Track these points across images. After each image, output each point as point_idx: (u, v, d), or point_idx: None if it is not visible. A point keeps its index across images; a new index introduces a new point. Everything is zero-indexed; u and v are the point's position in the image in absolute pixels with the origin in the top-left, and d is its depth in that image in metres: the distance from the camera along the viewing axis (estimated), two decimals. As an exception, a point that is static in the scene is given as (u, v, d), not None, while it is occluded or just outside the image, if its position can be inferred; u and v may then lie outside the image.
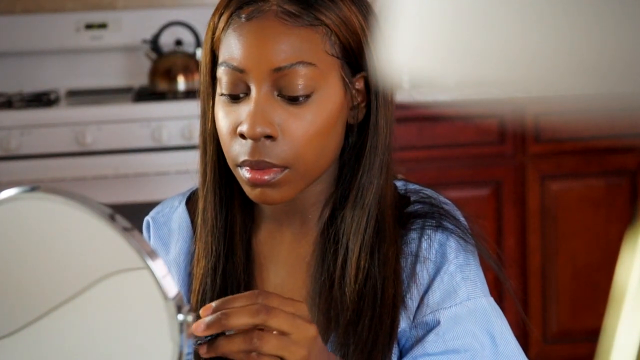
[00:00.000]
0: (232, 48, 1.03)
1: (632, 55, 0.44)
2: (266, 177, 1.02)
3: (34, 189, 0.72)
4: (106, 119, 2.90)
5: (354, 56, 1.06)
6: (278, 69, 1.02)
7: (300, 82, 1.02)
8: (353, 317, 1.06)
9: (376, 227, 1.08)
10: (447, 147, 2.89)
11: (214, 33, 1.06)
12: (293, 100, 1.02)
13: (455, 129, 2.88)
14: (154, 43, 3.19)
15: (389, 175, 1.09)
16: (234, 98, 1.04)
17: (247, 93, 1.03)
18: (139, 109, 2.94)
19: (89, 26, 3.28)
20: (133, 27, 3.29)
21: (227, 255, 1.11)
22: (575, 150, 2.93)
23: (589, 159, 2.93)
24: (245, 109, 1.03)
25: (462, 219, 1.13)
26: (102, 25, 3.29)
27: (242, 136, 1.02)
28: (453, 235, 1.10)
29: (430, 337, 1.06)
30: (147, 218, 1.19)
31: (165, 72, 3.12)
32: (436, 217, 1.11)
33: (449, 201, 1.15)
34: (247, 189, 1.04)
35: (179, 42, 3.20)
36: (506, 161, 2.92)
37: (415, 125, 2.85)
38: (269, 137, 1.02)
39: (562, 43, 0.46)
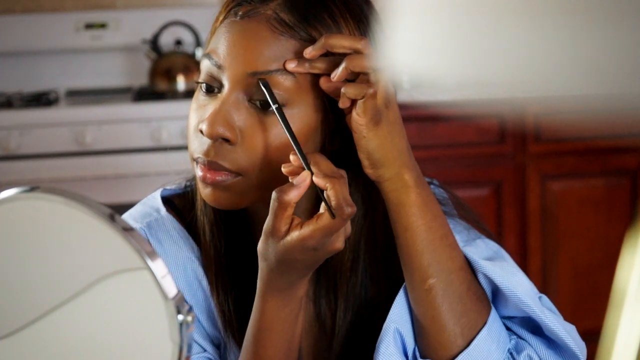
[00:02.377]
0: (217, 42, 1.02)
1: (632, 55, 0.44)
2: (218, 178, 1.00)
3: (33, 189, 0.72)
4: (106, 119, 2.90)
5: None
6: (254, 74, 0.99)
7: (274, 91, 0.99)
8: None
9: (369, 238, 1.08)
10: (447, 147, 2.89)
11: (215, 22, 1.05)
12: (262, 108, 1.00)
13: (455, 129, 2.88)
14: (154, 43, 3.19)
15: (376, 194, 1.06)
16: (209, 90, 1.02)
17: (221, 90, 1.01)
18: (139, 109, 2.94)
19: (89, 26, 3.28)
20: (133, 27, 3.29)
21: (230, 244, 1.10)
22: (575, 150, 2.92)
23: (589, 159, 2.93)
24: (213, 107, 1.01)
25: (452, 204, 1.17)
26: (102, 25, 3.29)
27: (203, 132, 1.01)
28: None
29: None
30: (142, 227, 1.11)
31: (165, 72, 3.12)
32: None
33: (445, 195, 1.17)
34: (200, 187, 1.03)
35: (178, 42, 3.20)
36: (506, 161, 2.92)
37: (415, 125, 2.85)
38: (227, 140, 1.00)
39: (562, 43, 0.46)
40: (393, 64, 0.55)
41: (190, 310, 0.72)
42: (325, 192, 0.94)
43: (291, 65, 0.98)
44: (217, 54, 1.01)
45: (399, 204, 1.00)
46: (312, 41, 0.99)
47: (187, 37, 3.20)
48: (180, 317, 0.71)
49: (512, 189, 2.92)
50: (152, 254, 0.71)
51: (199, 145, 1.01)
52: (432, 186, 1.17)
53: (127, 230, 0.71)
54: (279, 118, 0.97)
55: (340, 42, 0.97)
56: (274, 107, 0.98)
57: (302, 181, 0.94)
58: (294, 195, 0.94)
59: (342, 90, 0.96)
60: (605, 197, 2.94)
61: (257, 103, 1.00)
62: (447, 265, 1.01)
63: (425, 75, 0.52)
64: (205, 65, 1.02)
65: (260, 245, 0.97)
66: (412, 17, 0.53)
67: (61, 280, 0.72)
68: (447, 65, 0.51)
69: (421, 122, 2.86)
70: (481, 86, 0.50)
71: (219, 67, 1.01)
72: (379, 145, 0.98)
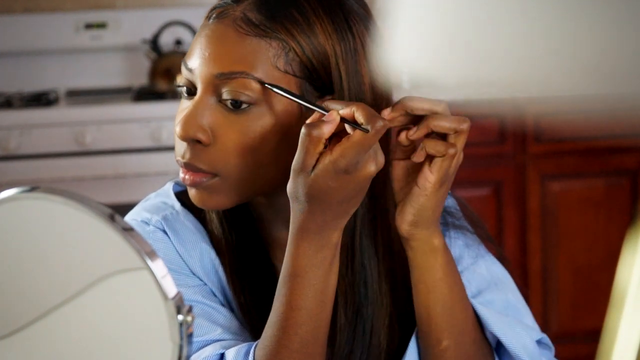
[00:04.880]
0: (192, 46, 1.04)
1: (632, 56, 0.44)
2: (196, 179, 1.02)
3: (33, 189, 0.72)
4: (106, 119, 2.90)
5: (319, 79, 1.01)
6: (220, 75, 1.00)
7: (240, 93, 0.99)
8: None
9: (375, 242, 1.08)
10: (447, 147, 2.89)
11: None
12: (232, 108, 1.00)
13: (455, 129, 2.87)
14: (154, 43, 3.19)
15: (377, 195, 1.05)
16: (189, 93, 1.04)
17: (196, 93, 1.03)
18: (139, 108, 2.94)
19: (89, 26, 3.28)
20: (133, 27, 3.29)
21: (240, 238, 1.10)
22: (575, 150, 2.92)
23: (589, 159, 2.93)
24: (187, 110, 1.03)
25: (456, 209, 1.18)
26: (102, 25, 3.29)
27: None
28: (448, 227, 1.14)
29: None
30: (159, 220, 1.11)
31: (165, 72, 3.12)
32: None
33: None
34: (188, 188, 1.05)
35: (178, 42, 3.20)
36: (506, 161, 2.92)
37: (415, 125, 2.85)
38: (200, 141, 1.01)
39: (562, 44, 0.46)
40: (393, 64, 0.55)
41: (190, 310, 0.72)
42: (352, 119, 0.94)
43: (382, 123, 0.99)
44: (190, 57, 1.03)
45: (426, 266, 1.02)
46: (279, 39, 1.00)
47: (187, 37, 3.20)
48: (180, 317, 0.71)
49: (512, 189, 2.92)
50: (152, 254, 0.71)
51: (178, 148, 1.04)
52: None
53: (127, 230, 0.71)
54: (282, 94, 0.98)
55: (420, 105, 0.98)
56: (275, 90, 0.98)
57: (332, 118, 0.94)
58: (326, 129, 0.93)
59: (423, 144, 0.98)
60: (605, 197, 2.94)
61: (228, 103, 1.00)
62: (461, 327, 1.04)
63: (425, 75, 0.52)
64: (182, 70, 1.04)
65: (289, 186, 0.96)
66: (412, 17, 0.53)
67: (61, 280, 0.72)
68: (447, 65, 0.51)
69: (421, 122, 2.86)
70: (481, 86, 0.50)
71: (191, 70, 1.03)
72: (433, 206, 1.00)
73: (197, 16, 3.26)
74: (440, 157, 0.98)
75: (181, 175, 1.03)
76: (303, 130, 0.93)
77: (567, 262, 2.94)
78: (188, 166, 1.02)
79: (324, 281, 0.99)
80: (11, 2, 3.29)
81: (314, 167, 0.93)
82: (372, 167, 0.94)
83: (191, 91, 1.04)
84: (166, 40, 3.21)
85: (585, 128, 2.85)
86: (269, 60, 1.00)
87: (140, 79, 3.26)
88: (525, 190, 2.93)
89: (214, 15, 1.02)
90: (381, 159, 0.95)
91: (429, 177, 0.98)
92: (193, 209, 1.12)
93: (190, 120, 1.01)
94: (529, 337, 1.09)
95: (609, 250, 2.92)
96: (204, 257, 1.10)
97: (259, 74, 0.99)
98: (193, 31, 3.18)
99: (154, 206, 1.13)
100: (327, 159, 0.93)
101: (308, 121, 0.96)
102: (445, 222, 1.14)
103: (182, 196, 1.14)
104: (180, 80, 1.05)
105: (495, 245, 1.18)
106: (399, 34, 0.54)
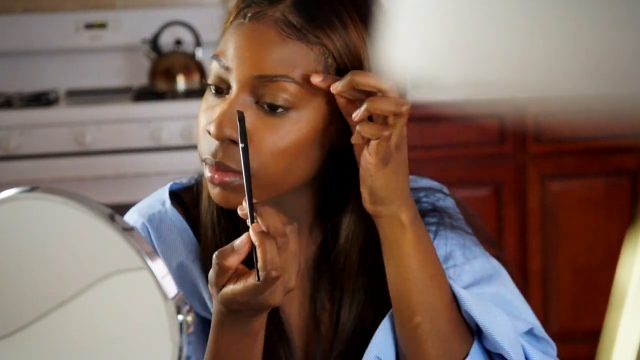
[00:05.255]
0: (226, 43, 1.02)
1: (632, 56, 0.44)
2: (226, 179, 1.01)
3: (33, 189, 0.72)
4: (106, 119, 2.90)
5: None
6: (260, 77, 0.99)
7: (279, 96, 0.99)
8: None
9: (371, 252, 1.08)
10: (447, 147, 2.89)
11: (226, 23, 1.04)
12: (269, 111, 1.00)
13: (455, 129, 2.88)
14: (154, 43, 3.19)
15: None
16: (218, 92, 1.02)
17: (229, 92, 1.01)
18: (139, 109, 2.94)
19: (89, 26, 3.28)
20: (133, 27, 3.29)
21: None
22: (575, 150, 2.92)
23: (589, 159, 2.93)
24: (221, 108, 1.01)
25: (454, 210, 1.17)
26: (102, 25, 3.29)
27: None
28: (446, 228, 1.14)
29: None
30: (144, 222, 1.11)
31: (165, 72, 3.12)
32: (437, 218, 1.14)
33: (442, 192, 1.17)
34: (209, 187, 1.03)
35: (178, 42, 3.20)
36: (506, 161, 2.92)
37: (416, 125, 2.85)
38: (234, 141, 1.00)
39: (562, 44, 0.46)
40: (394, 64, 0.55)
41: (190, 310, 0.72)
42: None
43: (316, 80, 0.98)
44: (225, 55, 1.01)
45: (394, 241, 1.02)
46: (320, 44, 0.99)
47: (187, 37, 3.20)
48: (180, 317, 0.71)
49: (512, 189, 2.92)
50: (152, 254, 0.71)
51: (207, 146, 1.02)
52: (440, 194, 1.17)
53: (127, 230, 0.71)
54: (241, 157, 0.97)
55: (367, 81, 0.97)
56: (240, 145, 0.98)
57: (242, 247, 0.96)
58: (233, 261, 0.96)
59: (358, 128, 0.97)
60: (605, 197, 2.94)
61: (265, 105, 0.99)
62: (435, 305, 1.04)
63: (425, 75, 0.53)
64: (214, 66, 1.02)
65: (209, 285, 0.99)
66: (412, 17, 0.53)
67: (61, 280, 0.72)
68: (447, 65, 0.51)
69: (421, 122, 2.86)
70: (481, 86, 0.50)
71: (227, 68, 1.01)
72: (384, 184, 1.00)
73: (197, 16, 3.26)
74: (375, 140, 0.98)
75: (208, 174, 1.02)
76: (214, 258, 0.97)
77: (567, 262, 2.94)
78: (219, 165, 1.01)
79: None
80: (11, 2, 3.29)
81: (222, 288, 0.97)
82: (274, 300, 0.97)
83: (219, 89, 1.02)
84: (166, 40, 3.21)
85: (585, 128, 2.85)
86: (310, 65, 0.99)
87: (140, 79, 3.26)
88: (525, 190, 2.93)
89: (249, 15, 1.01)
90: (291, 284, 0.97)
91: (369, 159, 0.98)
92: (185, 210, 1.12)
93: (225, 119, 1.00)
94: (510, 324, 1.07)
95: (609, 250, 2.92)
96: (181, 272, 1.10)
97: (298, 78, 0.99)
98: (193, 31, 3.18)
99: (146, 205, 1.14)
100: (229, 289, 0.96)
101: (239, 212, 0.98)
102: (441, 221, 1.14)
103: (181, 192, 1.14)
104: (211, 79, 1.03)
105: (496, 248, 1.18)
106: (399, 34, 0.54)
